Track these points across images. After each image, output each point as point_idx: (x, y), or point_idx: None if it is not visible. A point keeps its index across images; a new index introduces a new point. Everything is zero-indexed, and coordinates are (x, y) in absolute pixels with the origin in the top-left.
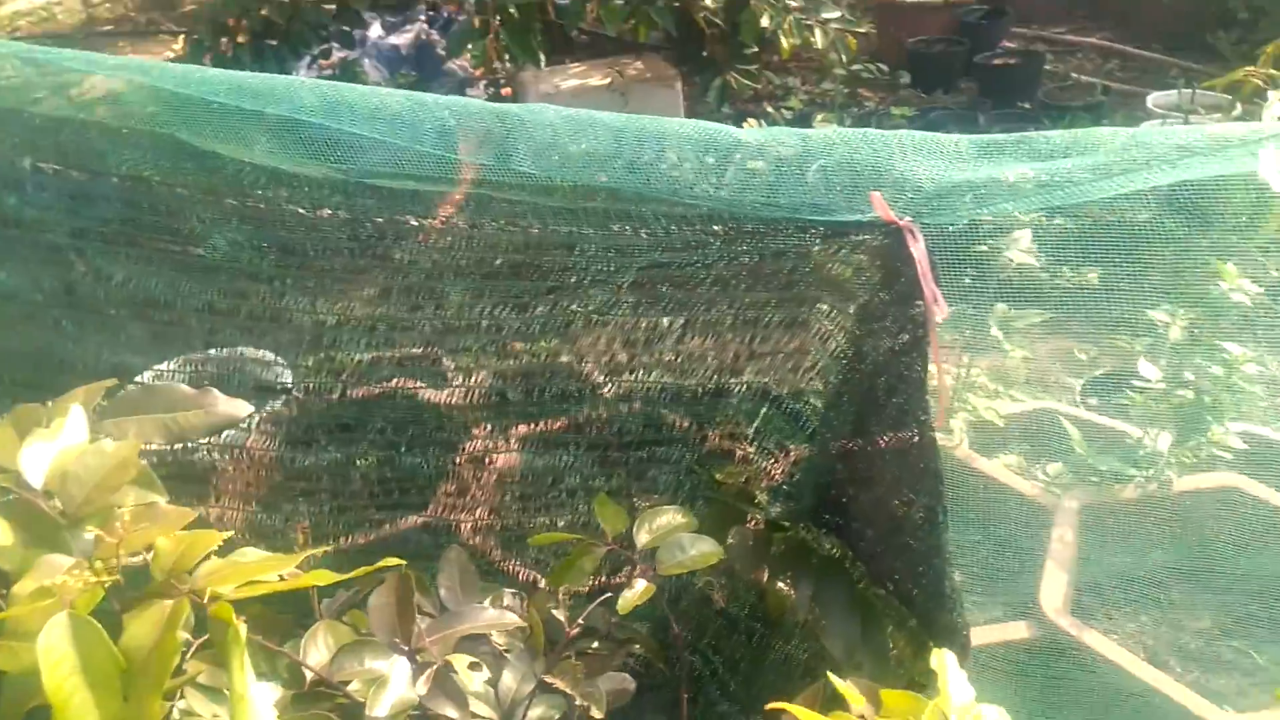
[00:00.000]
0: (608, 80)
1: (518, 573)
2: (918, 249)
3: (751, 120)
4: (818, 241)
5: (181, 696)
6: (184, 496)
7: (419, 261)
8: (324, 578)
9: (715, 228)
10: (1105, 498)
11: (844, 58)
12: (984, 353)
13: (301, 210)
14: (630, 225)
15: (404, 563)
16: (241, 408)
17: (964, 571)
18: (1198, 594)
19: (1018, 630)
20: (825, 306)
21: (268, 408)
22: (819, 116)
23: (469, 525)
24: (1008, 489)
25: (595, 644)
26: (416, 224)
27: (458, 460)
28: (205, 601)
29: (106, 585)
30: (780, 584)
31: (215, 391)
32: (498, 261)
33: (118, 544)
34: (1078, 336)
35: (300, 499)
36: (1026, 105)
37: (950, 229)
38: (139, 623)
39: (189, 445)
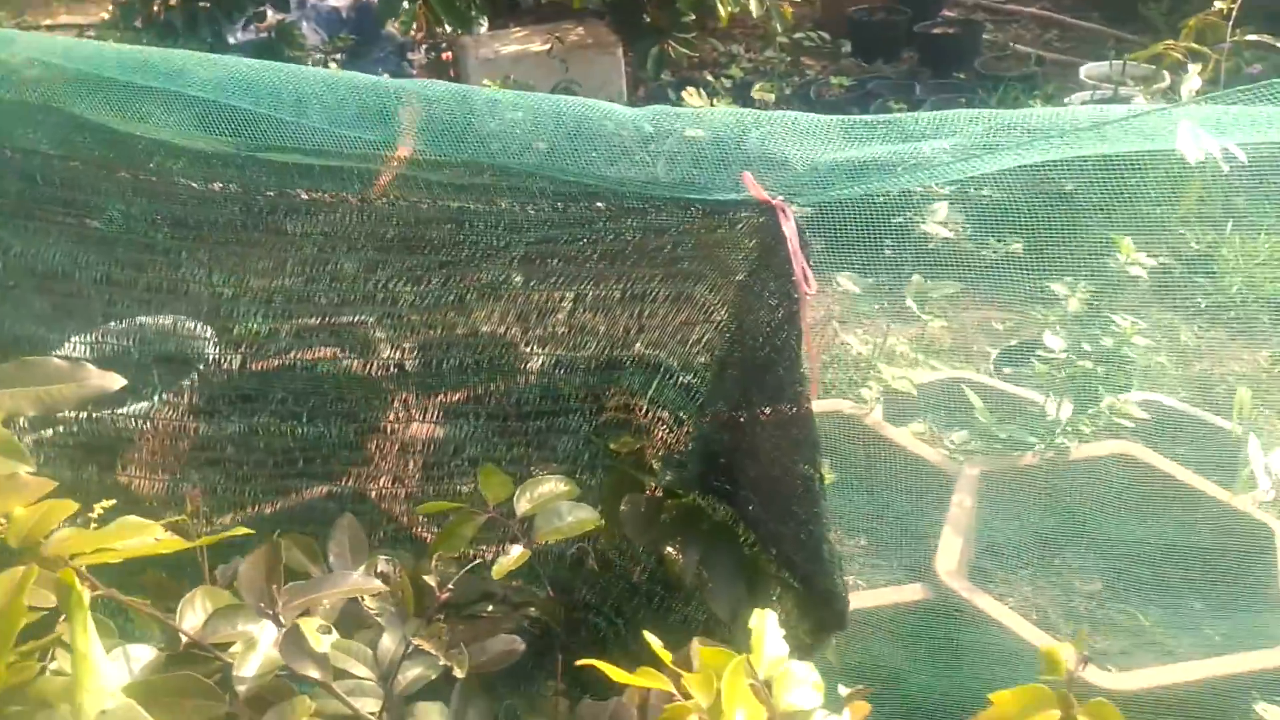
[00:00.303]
0: (548, 46)
1: (425, 537)
2: (788, 227)
3: (690, 88)
4: (698, 219)
5: (54, 658)
6: (94, 465)
7: (311, 234)
8: (174, 545)
9: (599, 205)
10: (1005, 465)
11: (779, 26)
12: (905, 322)
13: (194, 184)
14: (516, 201)
15: (252, 532)
16: (114, 380)
17: (868, 536)
18: (1089, 559)
19: (913, 592)
20: (708, 282)
21: (178, 379)
22: (757, 85)
23: (374, 493)
24: (914, 456)
25: (490, 607)
26: (308, 198)
27: (359, 430)
28: (57, 567)
29: None
30: (670, 549)
31: (88, 365)
32: (389, 235)
33: None
34: (998, 306)
35: (205, 467)
36: (962, 75)
37: (874, 201)
38: None
39: (96, 415)
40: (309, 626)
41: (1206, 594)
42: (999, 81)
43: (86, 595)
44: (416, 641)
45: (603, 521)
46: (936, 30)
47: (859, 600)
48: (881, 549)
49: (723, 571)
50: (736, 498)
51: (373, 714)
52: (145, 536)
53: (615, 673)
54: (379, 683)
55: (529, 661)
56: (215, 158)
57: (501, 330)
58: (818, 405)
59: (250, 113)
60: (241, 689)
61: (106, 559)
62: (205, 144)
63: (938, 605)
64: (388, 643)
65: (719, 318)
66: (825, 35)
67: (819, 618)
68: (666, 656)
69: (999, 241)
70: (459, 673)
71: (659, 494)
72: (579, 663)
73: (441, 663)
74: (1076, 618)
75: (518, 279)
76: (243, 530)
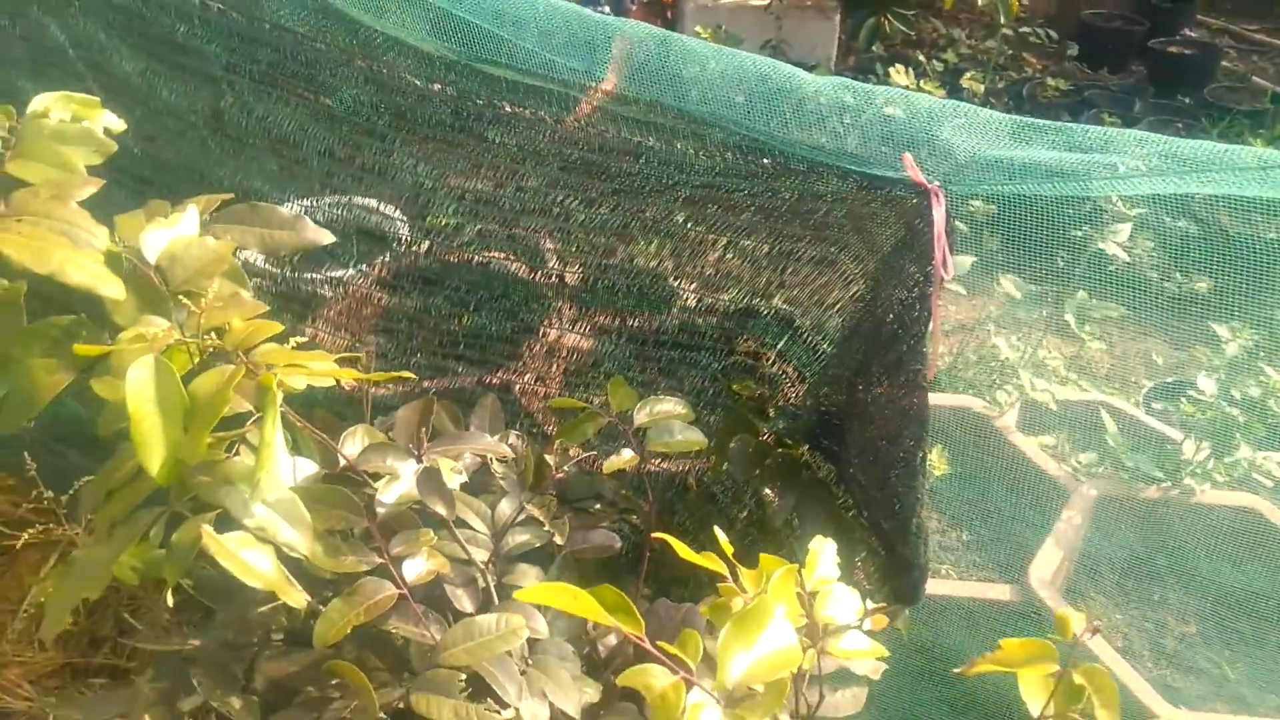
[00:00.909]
0: (767, 2)
1: (550, 432)
2: (938, 212)
3: (899, 65)
4: (853, 190)
5: (238, 452)
6: (289, 315)
7: (507, 145)
8: (350, 374)
9: (765, 161)
10: (1125, 492)
11: (1004, 17)
12: (1064, 338)
13: (417, 81)
14: (692, 146)
15: (414, 376)
16: (326, 236)
17: (970, 531)
18: (1189, 602)
19: (1001, 592)
20: (852, 251)
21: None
22: (968, 74)
23: (517, 387)
24: (1034, 466)
25: (597, 506)
26: (510, 111)
27: (515, 328)
28: (258, 373)
29: (188, 344)
30: (769, 491)
31: (307, 219)
32: (574, 158)
33: (201, 315)
34: (1165, 341)
35: (381, 335)
36: (1188, 100)
37: (1057, 210)
38: (204, 378)
39: (298, 272)
40: (445, 465)
41: None
42: (1226, 113)
43: (279, 397)
44: (529, 509)
45: (710, 448)
46: (1172, 48)
47: (945, 587)
48: (981, 546)
49: (813, 523)
50: (840, 458)
51: (482, 562)
52: (329, 364)
53: (683, 550)
54: (491, 538)
55: (622, 560)
56: (438, 61)
57: (655, 263)
58: (950, 399)
59: (475, 26)
60: (380, 512)
61: (298, 374)
62: (432, 48)
63: (1022, 609)
64: (504, 507)
65: (856, 287)
66: (1053, 34)
67: (896, 586)
68: (728, 547)
69: (1183, 276)
70: (559, 539)
71: (768, 440)
72: (655, 535)
73: (546, 530)
74: (1162, 653)
75: (679, 217)
76: (407, 374)
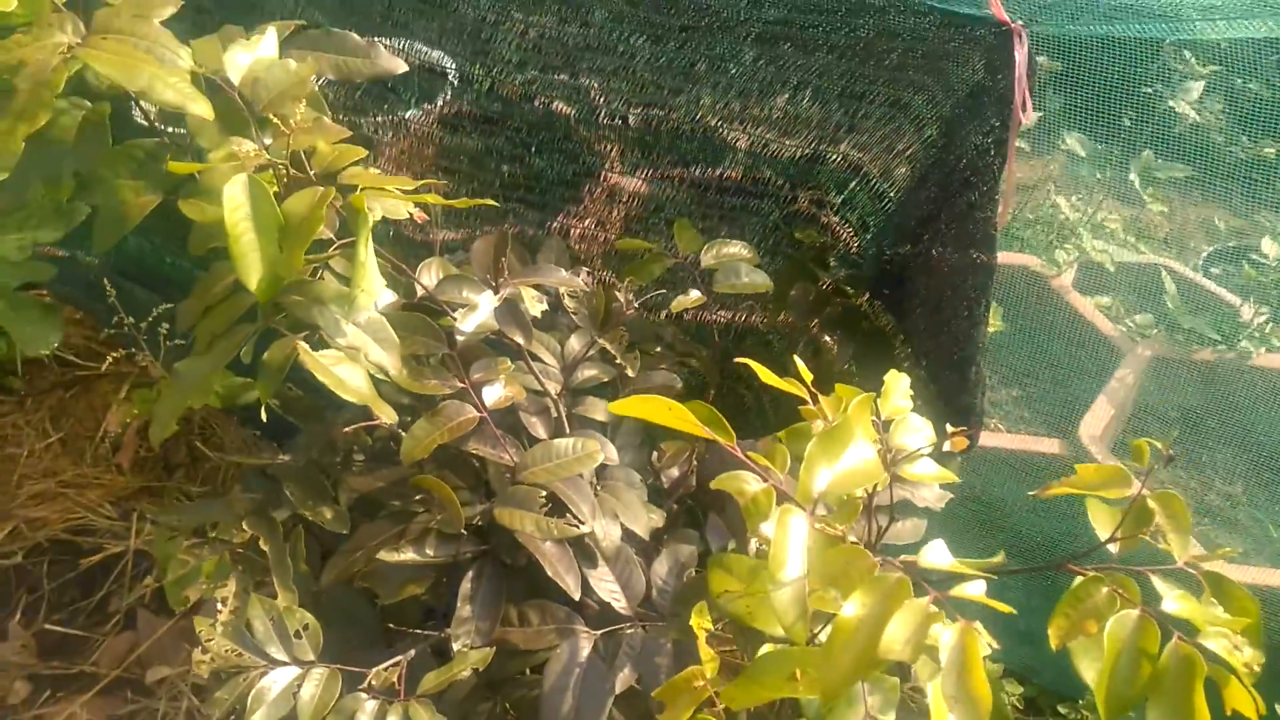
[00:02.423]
0: None
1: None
2: (1020, 51)
3: None
4: (933, 29)
5: (322, 277)
6: None
7: None
8: (434, 199)
9: None
10: (1180, 353)
11: None
12: (1125, 202)
13: None
14: None
15: (496, 203)
16: (399, 65)
17: (1021, 388)
18: (1238, 463)
19: (1050, 446)
20: (927, 93)
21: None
22: None
23: (577, 231)
24: (1090, 325)
25: (659, 349)
26: None
27: (577, 171)
28: (348, 195)
29: (276, 166)
30: (828, 339)
31: (381, 46)
32: None
33: (289, 138)
34: (1227, 207)
35: (444, 174)
36: None
37: (1126, 66)
38: (297, 198)
39: (362, 111)
40: (528, 293)
41: None
42: None
43: (370, 217)
44: (601, 341)
45: (769, 295)
46: None
47: (995, 440)
48: (1032, 402)
49: (871, 372)
50: (900, 307)
51: (554, 393)
52: (406, 188)
53: (764, 373)
54: (561, 371)
55: (682, 401)
56: None
57: (722, 104)
58: (1010, 258)
59: None
60: (459, 340)
61: (386, 198)
62: None
63: (1070, 463)
64: (574, 343)
65: (929, 132)
66: None
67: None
68: (808, 375)
69: (1251, 141)
70: (631, 371)
71: (829, 289)
72: (739, 360)
73: (615, 365)
74: (1206, 511)
75: (748, 56)
76: (490, 201)
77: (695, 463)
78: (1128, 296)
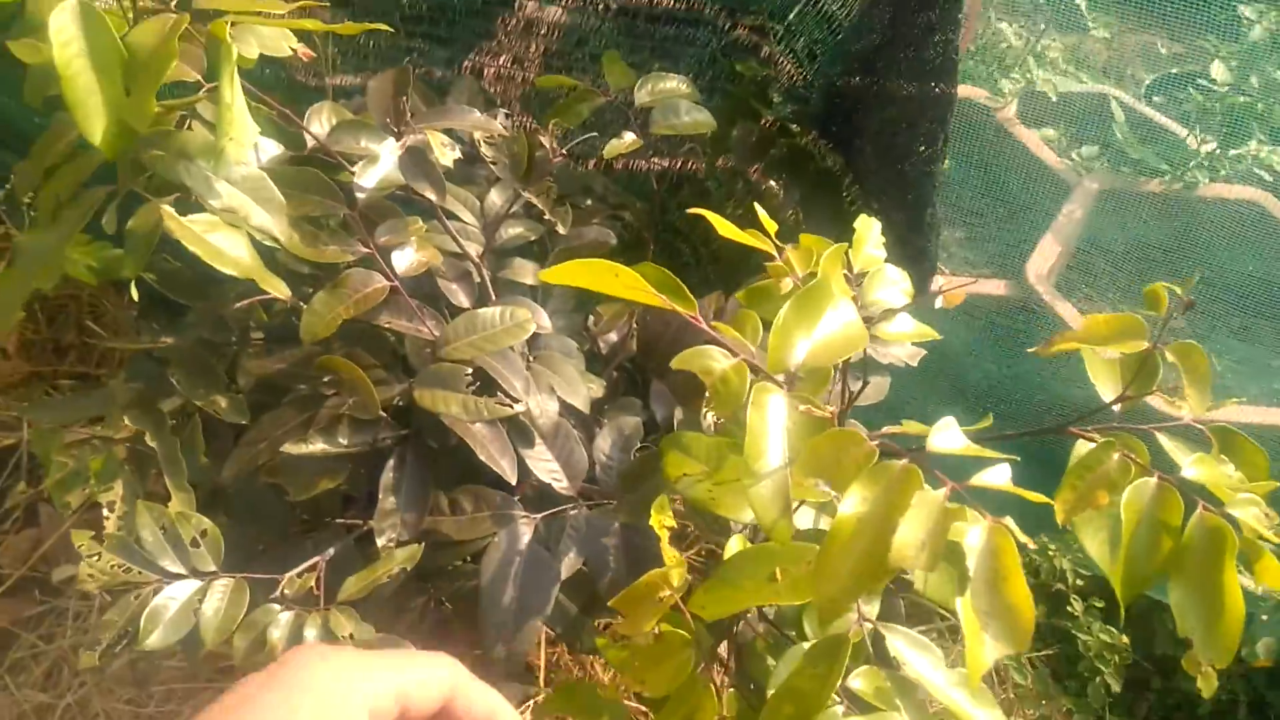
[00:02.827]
0: None
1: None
2: None
3: None
4: None
5: (190, 127)
6: None
7: None
8: (315, 25)
9: None
10: (1127, 185)
11: None
12: (1064, 30)
13: None
14: None
15: (389, 28)
16: None
17: (966, 229)
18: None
19: (996, 287)
20: None
21: None
22: None
23: (491, 71)
24: (1036, 159)
25: (589, 202)
26: None
27: (489, 0)
28: (206, 22)
29: None
30: (773, 183)
31: None
32: None
33: None
34: (1168, 32)
35: (333, 7)
36: None
37: None
38: (143, 28)
39: None
40: (437, 140)
41: None
42: None
43: (235, 51)
44: (527, 195)
45: (708, 137)
46: None
47: (941, 282)
48: (976, 244)
49: (819, 218)
50: (851, 145)
51: (475, 255)
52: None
53: (723, 224)
54: (482, 230)
55: (616, 259)
56: None
57: None
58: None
59: None
60: (360, 198)
61: (254, 24)
62: None
63: (1016, 303)
64: (495, 198)
65: None
66: None
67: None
68: (771, 225)
69: None
70: (562, 229)
71: (772, 127)
72: (693, 211)
73: (543, 221)
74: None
75: None
76: (382, 26)
77: (635, 325)
78: (1072, 128)
